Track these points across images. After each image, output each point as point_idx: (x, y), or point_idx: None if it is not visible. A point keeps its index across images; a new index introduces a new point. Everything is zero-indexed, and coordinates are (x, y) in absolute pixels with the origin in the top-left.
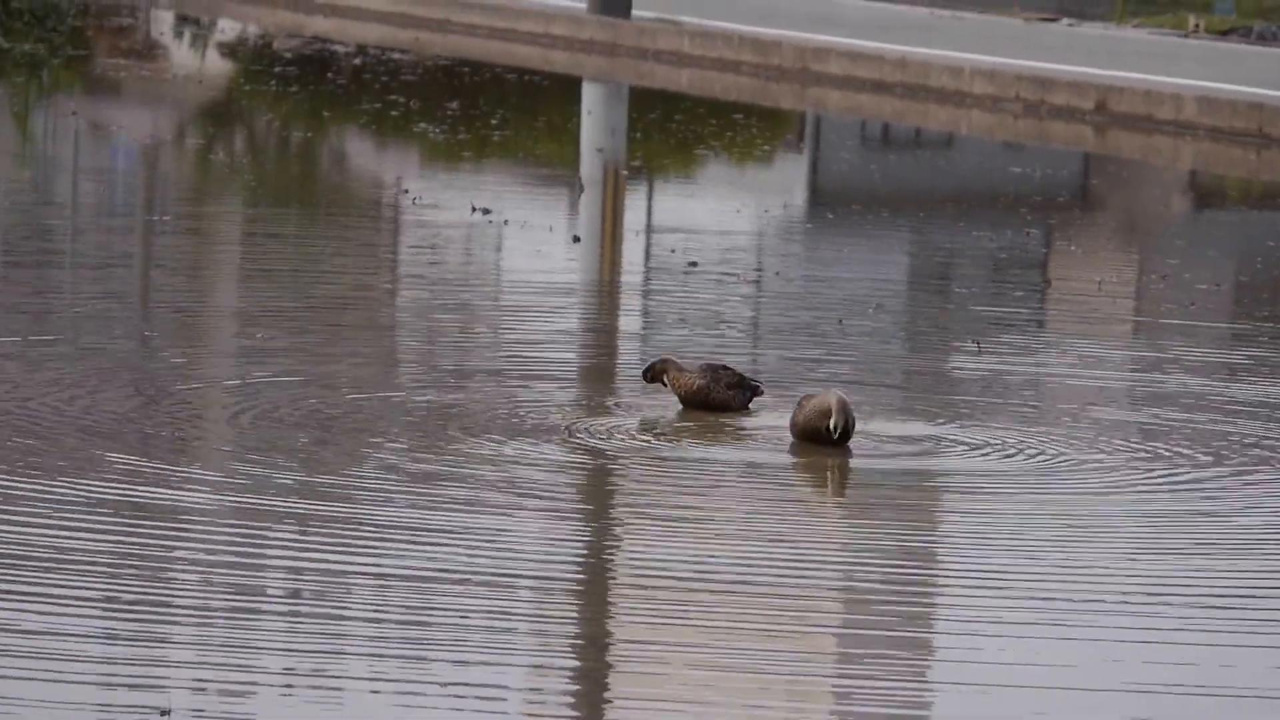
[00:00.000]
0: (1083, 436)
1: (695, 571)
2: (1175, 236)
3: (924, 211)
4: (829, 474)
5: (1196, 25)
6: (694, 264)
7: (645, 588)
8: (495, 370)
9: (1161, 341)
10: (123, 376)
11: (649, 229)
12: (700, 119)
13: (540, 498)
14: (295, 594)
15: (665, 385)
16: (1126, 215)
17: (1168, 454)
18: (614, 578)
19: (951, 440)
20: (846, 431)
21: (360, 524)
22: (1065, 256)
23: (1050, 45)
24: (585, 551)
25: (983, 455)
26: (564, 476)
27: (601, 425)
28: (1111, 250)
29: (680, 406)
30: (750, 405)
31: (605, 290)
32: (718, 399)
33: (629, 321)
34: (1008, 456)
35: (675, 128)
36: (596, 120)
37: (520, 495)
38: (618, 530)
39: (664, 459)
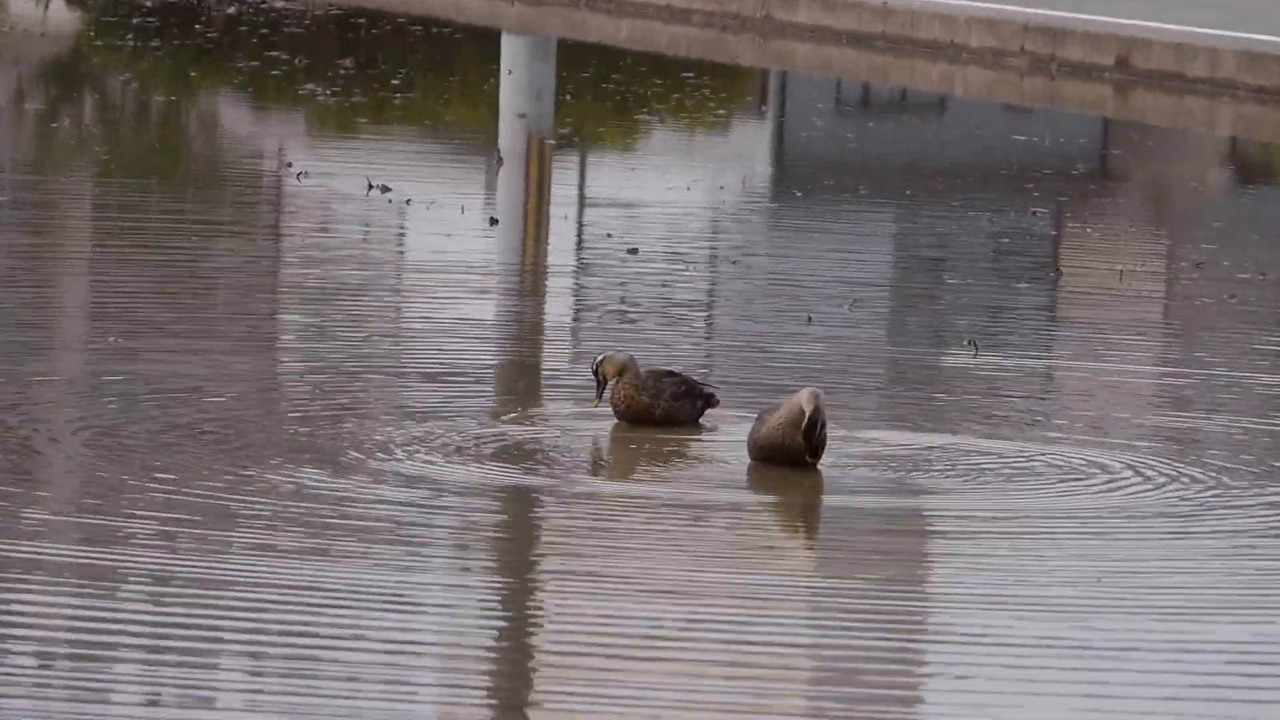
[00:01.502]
0: (1105, 457)
1: (635, 637)
2: (1211, 216)
3: (911, 188)
4: (796, 514)
5: None
6: (634, 250)
7: (574, 655)
8: (394, 375)
9: (1195, 340)
10: None
11: (581, 209)
12: (642, 78)
13: (447, 545)
14: (153, 663)
15: (601, 383)
16: (1153, 191)
17: (1204, 474)
18: (536, 644)
19: (943, 464)
20: (817, 425)
21: (231, 584)
22: (1080, 240)
23: None
24: (501, 613)
25: (981, 487)
26: (474, 518)
27: (521, 448)
28: (1135, 233)
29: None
30: (702, 419)
31: (527, 281)
32: (661, 413)
33: (555, 317)
34: (1015, 485)
35: (612, 89)
36: (518, 80)
37: (423, 544)
38: (540, 587)
39: (595, 495)
